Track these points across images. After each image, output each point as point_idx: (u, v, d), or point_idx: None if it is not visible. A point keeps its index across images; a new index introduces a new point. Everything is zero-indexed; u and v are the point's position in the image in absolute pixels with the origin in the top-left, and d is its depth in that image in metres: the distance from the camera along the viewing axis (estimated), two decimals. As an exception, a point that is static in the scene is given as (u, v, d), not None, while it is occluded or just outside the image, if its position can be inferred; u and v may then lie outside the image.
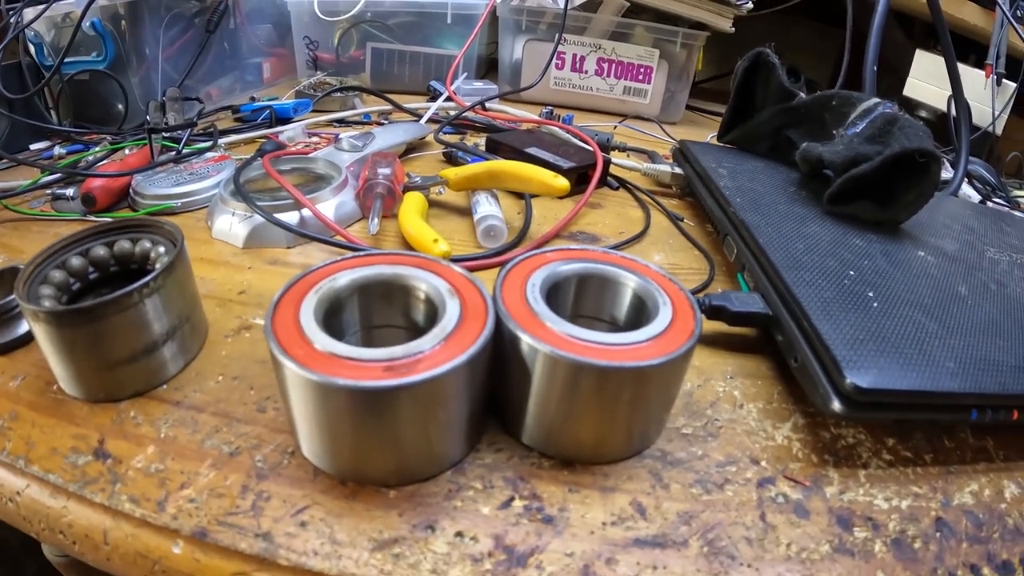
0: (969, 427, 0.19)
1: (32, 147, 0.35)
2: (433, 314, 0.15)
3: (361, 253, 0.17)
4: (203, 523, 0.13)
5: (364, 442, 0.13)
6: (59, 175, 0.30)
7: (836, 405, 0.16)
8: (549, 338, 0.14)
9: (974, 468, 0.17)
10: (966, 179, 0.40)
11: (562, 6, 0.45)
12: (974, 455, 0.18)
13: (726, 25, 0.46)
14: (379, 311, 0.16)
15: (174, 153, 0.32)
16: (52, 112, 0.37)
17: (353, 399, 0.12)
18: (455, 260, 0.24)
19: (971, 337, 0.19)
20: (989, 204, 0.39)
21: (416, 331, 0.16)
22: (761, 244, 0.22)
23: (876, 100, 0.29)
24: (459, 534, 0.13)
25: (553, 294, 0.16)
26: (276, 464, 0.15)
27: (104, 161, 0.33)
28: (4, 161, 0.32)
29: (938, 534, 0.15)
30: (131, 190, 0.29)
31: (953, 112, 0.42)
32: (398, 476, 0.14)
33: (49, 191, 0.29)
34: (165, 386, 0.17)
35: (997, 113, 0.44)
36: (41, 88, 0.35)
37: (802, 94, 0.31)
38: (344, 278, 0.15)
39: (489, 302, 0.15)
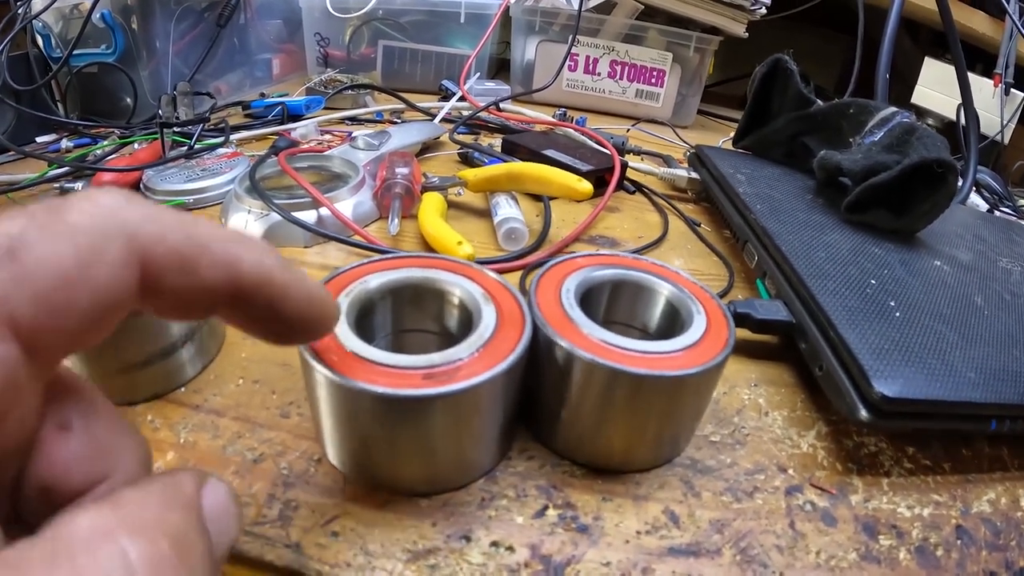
0: (985, 437, 0.19)
1: (38, 140, 0.34)
2: (466, 319, 0.15)
3: (390, 255, 0.16)
4: (230, 530, 0.13)
5: (398, 450, 0.13)
6: (67, 168, 0.29)
7: (863, 414, 0.16)
8: (586, 345, 0.14)
9: (991, 477, 0.18)
10: (974, 188, 0.40)
11: (576, 8, 0.45)
12: (990, 464, 0.18)
13: (740, 30, 0.46)
14: (410, 315, 0.16)
15: (186, 148, 0.31)
16: (59, 105, 0.36)
17: (391, 407, 0.12)
18: (478, 263, 0.24)
19: (989, 347, 0.19)
20: (996, 213, 0.40)
21: (446, 336, 0.16)
22: (784, 252, 0.22)
23: (893, 109, 0.29)
24: (495, 544, 0.13)
25: (586, 300, 0.16)
26: (303, 472, 0.15)
27: (113, 156, 0.32)
28: (11, 153, 0.31)
29: (959, 542, 0.15)
30: (142, 185, 0.29)
31: (962, 121, 0.42)
32: (430, 485, 0.14)
33: (57, 185, 0.29)
34: (183, 389, 0.17)
35: (1005, 122, 0.45)
36: (49, 80, 0.34)
37: (819, 101, 0.32)
38: (375, 281, 0.15)
39: (525, 308, 0.15)
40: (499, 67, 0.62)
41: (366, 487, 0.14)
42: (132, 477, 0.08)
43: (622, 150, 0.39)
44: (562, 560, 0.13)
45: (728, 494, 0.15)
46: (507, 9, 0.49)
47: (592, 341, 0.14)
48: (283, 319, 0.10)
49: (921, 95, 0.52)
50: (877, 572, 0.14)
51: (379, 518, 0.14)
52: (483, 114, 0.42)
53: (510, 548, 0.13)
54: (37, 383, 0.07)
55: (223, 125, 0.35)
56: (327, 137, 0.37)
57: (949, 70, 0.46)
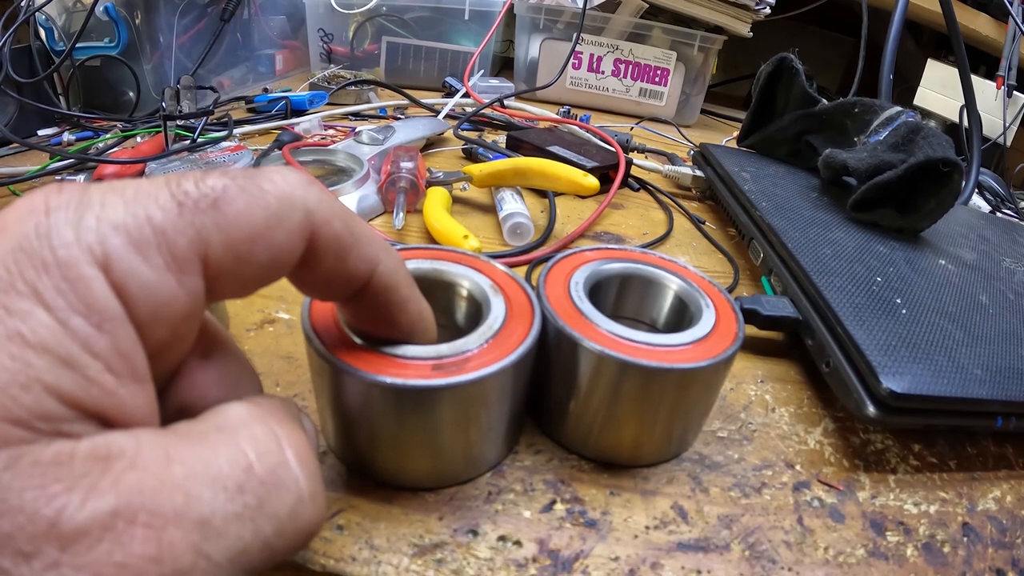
0: (990, 434, 0.19)
1: (40, 132, 0.34)
2: (475, 311, 0.15)
3: (397, 247, 0.16)
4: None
5: (405, 443, 0.13)
6: (69, 161, 0.29)
7: (871, 410, 0.16)
8: (596, 337, 0.14)
9: (996, 475, 0.18)
10: (976, 190, 0.40)
11: (580, 6, 0.45)
12: (995, 462, 0.18)
13: (744, 29, 0.46)
14: (417, 308, 0.16)
15: (189, 141, 0.31)
16: (61, 98, 0.36)
17: (400, 398, 0.12)
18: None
19: (995, 345, 0.19)
20: (998, 215, 0.40)
21: (454, 328, 0.16)
22: (790, 249, 0.22)
23: (899, 108, 0.29)
24: (502, 538, 0.13)
25: (595, 293, 0.16)
26: (309, 462, 0.15)
27: (115, 148, 0.32)
28: (13, 145, 0.31)
29: (965, 539, 0.15)
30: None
31: (965, 123, 0.43)
32: (437, 478, 0.14)
33: (59, 177, 0.29)
34: (187, 380, 0.17)
35: (1007, 124, 0.45)
36: (51, 73, 0.34)
37: (824, 100, 0.32)
38: (382, 273, 0.15)
39: (534, 300, 0.14)
40: (503, 65, 0.62)
41: (372, 481, 0.14)
42: None
43: (626, 147, 0.39)
44: (570, 555, 0.13)
45: (736, 490, 0.15)
46: (511, 7, 0.49)
47: (602, 333, 0.14)
48: (392, 324, 0.11)
49: (923, 97, 0.52)
50: (885, 568, 0.14)
51: (385, 512, 0.13)
52: (487, 111, 0.42)
53: (518, 542, 0.13)
54: (201, 316, 0.08)
55: (226, 119, 0.35)
56: (331, 132, 0.37)
57: (952, 72, 0.46)
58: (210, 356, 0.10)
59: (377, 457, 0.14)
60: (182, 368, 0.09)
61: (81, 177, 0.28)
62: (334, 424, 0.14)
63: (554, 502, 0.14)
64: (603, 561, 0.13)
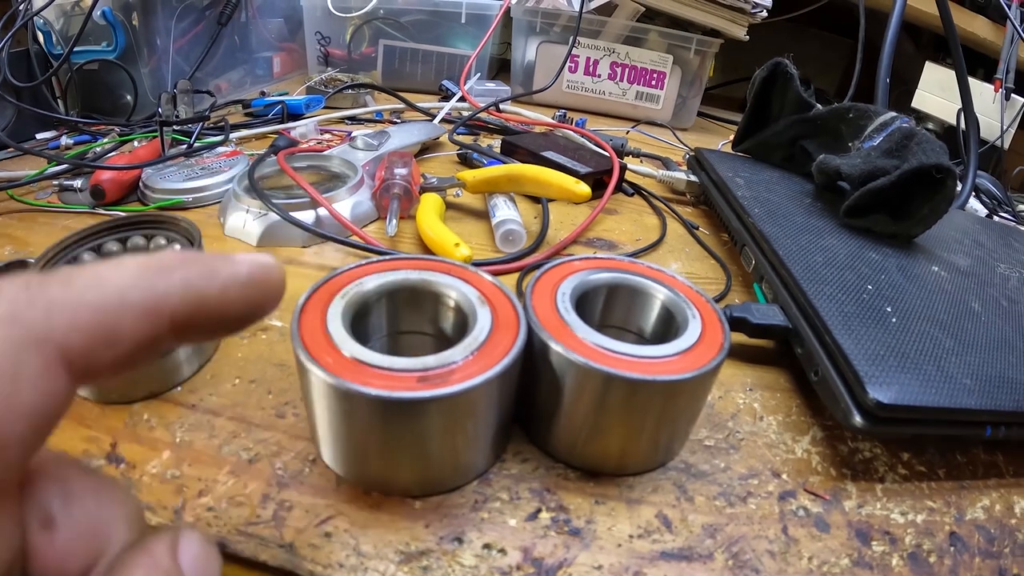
0: (981, 443, 0.19)
1: (38, 136, 0.35)
2: (462, 322, 0.15)
3: (386, 257, 0.16)
4: (223, 533, 0.13)
5: (392, 452, 0.13)
6: (66, 165, 0.29)
7: (857, 420, 0.16)
8: (581, 349, 0.14)
9: (985, 483, 0.18)
10: (973, 193, 0.40)
11: (577, 9, 0.45)
12: (985, 470, 0.18)
13: (740, 33, 0.46)
14: (406, 317, 0.16)
15: (185, 147, 0.31)
16: (59, 102, 0.36)
17: (386, 410, 0.12)
18: (475, 264, 0.24)
19: (986, 354, 0.19)
20: (995, 218, 0.40)
21: (443, 338, 0.16)
22: (781, 256, 0.22)
23: (893, 114, 0.29)
24: (487, 546, 0.13)
25: (582, 303, 0.16)
26: (297, 472, 0.15)
27: (112, 153, 0.32)
28: (10, 150, 0.32)
29: (952, 548, 0.15)
30: (141, 183, 0.29)
31: (962, 126, 0.42)
32: (424, 486, 0.14)
33: (56, 182, 0.29)
34: (179, 388, 0.17)
35: (1005, 127, 0.45)
36: (49, 77, 0.34)
37: (819, 105, 0.32)
38: (371, 283, 0.15)
39: (520, 312, 0.15)
40: (499, 68, 0.62)
41: (360, 488, 0.14)
42: (127, 544, 0.08)
43: (621, 152, 0.39)
44: (554, 563, 0.13)
45: (721, 499, 0.15)
46: (508, 10, 0.49)
47: (587, 345, 0.14)
48: (235, 317, 0.09)
49: (921, 99, 0.52)
50: (869, 578, 0.14)
51: (372, 519, 0.14)
52: (483, 115, 0.42)
53: (502, 551, 0.13)
54: (7, 506, 0.07)
55: (223, 123, 0.35)
56: (326, 136, 0.37)
57: (950, 75, 0.46)
58: (52, 521, 0.08)
59: (365, 465, 0.14)
60: (27, 548, 0.07)
61: (78, 182, 0.29)
62: (323, 433, 0.14)
63: (539, 510, 0.14)
64: (586, 570, 0.13)
